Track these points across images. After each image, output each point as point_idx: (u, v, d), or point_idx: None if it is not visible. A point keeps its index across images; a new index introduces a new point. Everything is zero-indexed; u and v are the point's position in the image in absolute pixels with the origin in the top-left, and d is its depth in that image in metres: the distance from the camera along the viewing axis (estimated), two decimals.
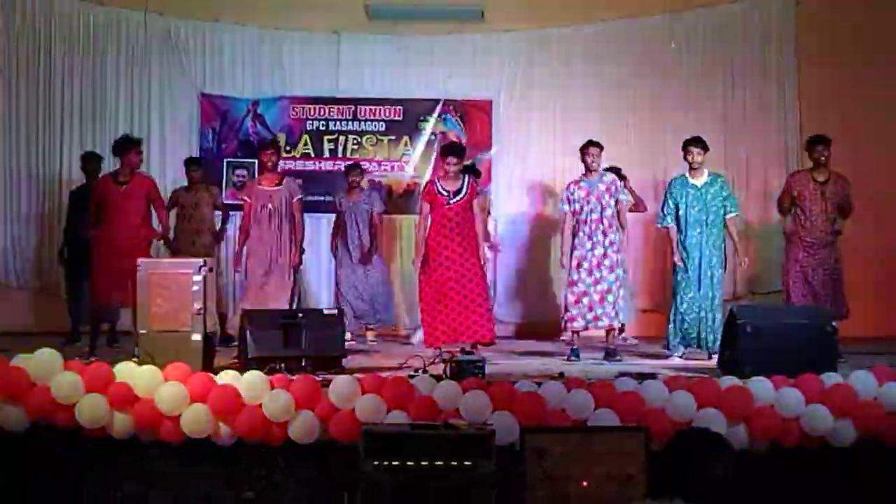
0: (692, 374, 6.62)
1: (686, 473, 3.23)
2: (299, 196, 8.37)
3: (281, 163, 9.99)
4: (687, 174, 7.99)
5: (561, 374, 6.50)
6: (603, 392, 5.91)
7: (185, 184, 9.32)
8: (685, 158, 7.97)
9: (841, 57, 9.60)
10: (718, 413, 5.82)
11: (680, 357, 7.85)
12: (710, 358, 7.63)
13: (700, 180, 7.91)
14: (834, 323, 6.71)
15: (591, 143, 8.01)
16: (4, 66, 9.90)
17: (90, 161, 9.06)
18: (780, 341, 6.48)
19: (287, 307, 7.99)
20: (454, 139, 10.18)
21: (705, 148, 7.95)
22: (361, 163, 9.91)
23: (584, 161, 7.99)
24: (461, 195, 7.81)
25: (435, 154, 10.24)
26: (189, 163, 9.42)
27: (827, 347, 6.53)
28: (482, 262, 7.87)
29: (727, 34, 10.23)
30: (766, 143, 10.04)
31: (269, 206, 8.20)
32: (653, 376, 6.28)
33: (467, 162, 8.88)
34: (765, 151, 10.05)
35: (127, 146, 8.06)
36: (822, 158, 8.10)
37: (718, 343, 7.37)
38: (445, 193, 7.84)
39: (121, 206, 7.94)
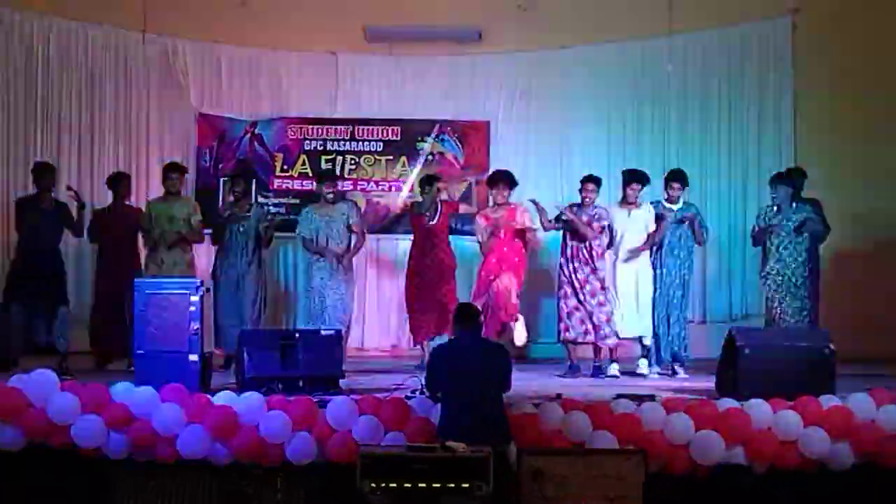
0: (690, 397, 6.61)
1: None
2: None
3: (278, 182, 10.37)
4: (663, 200, 8.36)
5: (558, 396, 6.48)
6: (601, 414, 5.90)
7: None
8: (665, 189, 8.34)
9: (839, 79, 9.61)
10: (716, 435, 5.81)
11: (658, 374, 8.21)
12: (673, 373, 8.17)
13: (675, 206, 8.30)
14: (832, 345, 6.69)
15: (588, 178, 8.32)
16: (2, 86, 9.88)
17: (40, 172, 8.25)
18: (778, 364, 6.48)
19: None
20: (451, 160, 10.31)
21: (684, 184, 8.34)
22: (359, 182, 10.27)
23: (580, 193, 8.32)
24: (436, 218, 8.73)
25: None
26: (171, 169, 8.65)
27: (825, 370, 6.51)
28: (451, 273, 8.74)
29: (725, 57, 10.22)
30: (762, 166, 10.01)
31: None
32: (651, 398, 6.27)
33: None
34: (761, 174, 10.04)
35: (116, 180, 8.76)
36: None
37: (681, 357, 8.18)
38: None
39: (113, 235, 8.59)
